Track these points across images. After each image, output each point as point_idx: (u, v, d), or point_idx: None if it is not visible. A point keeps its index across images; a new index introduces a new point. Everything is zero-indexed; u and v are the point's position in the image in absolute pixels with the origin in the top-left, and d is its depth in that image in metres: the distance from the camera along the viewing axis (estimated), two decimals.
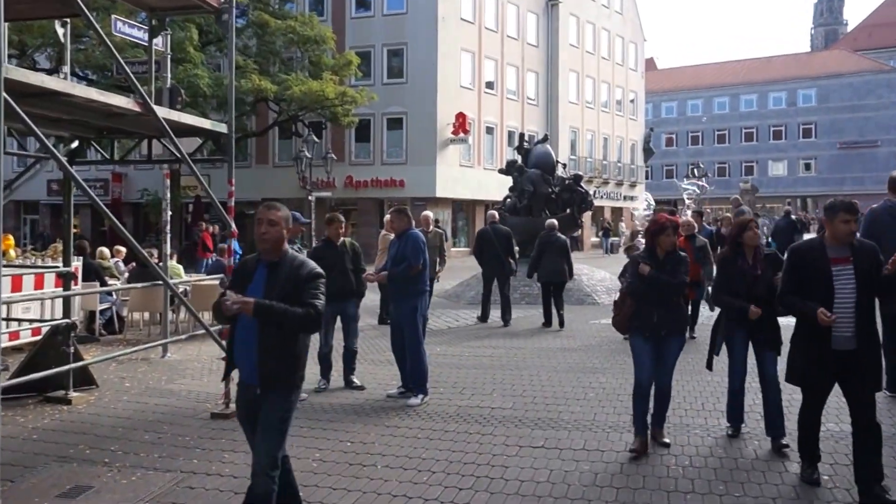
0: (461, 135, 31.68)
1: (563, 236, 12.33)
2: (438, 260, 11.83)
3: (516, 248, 12.84)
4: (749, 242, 5.47)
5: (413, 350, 7.19)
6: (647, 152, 49.42)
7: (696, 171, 43.34)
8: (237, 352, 3.84)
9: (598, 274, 16.84)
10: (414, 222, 7.64)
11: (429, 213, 11.90)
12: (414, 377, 7.19)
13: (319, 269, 3.83)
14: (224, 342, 6.91)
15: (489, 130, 35.44)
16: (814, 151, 64.61)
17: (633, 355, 5.53)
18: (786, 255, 4.80)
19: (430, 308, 7.60)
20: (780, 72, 67.35)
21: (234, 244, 31.75)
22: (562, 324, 11.89)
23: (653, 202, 39.89)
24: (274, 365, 3.73)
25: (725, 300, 5.50)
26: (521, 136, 19.65)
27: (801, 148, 64.93)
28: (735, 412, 5.88)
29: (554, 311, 11.99)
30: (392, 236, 11.41)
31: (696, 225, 10.03)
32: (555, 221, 12.90)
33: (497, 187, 28.99)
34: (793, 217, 28.20)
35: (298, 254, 3.90)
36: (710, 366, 5.75)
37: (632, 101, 48.23)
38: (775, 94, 66.57)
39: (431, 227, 11.85)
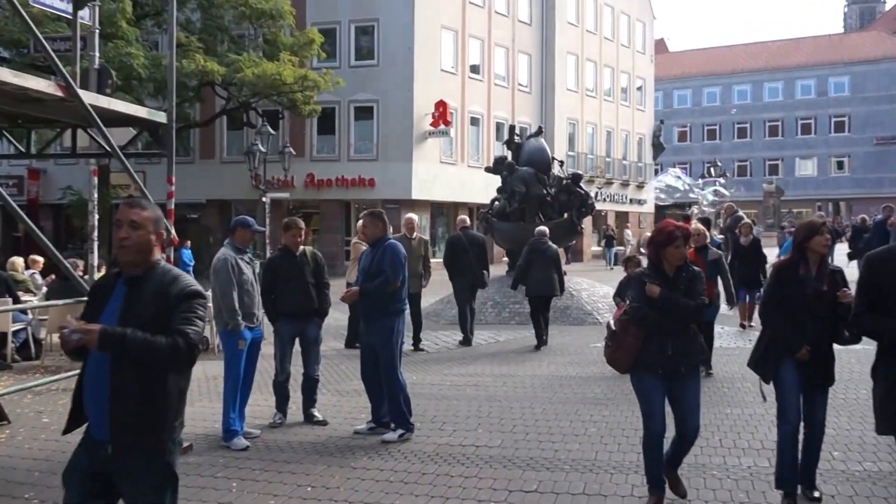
0: (441, 127, 31.78)
1: (554, 245, 12.72)
2: (424, 273, 11.87)
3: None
4: (817, 249, 5.15)
5: (390, 379, 7.16)
6: (657, 148, 49.88)
7: (712, 169, 43.82)
8: (85, 397, 3.34)
9: (600, 289, 16.93)
10: (391, 229, 7.64)
11: (413, 217, 11.99)
12: (394, 411, 7.16)
13: (197, 287, 3.36)
14: None
15: (474, 122, 35.57)
16: (847, 148, 65.49)
17: (640, 400, 5.14)
18: (862, 266, 4.58)
19: (404, 329, 7.56)
20: (810, 56, 68.20)
21: (186, 255, 31.55)
22: (544, 342, 12.34)
23: (725, 192, 38.98)
24: (128, 416, 3.20)
25: (777, 321, 5.16)
26: (512, 128, 19.75)
27: (832, 144, 65.81)
28: (787, 468, 5.19)
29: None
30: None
31: (707, 234, 9.73)
32: (545, 228, 13.17)
33: (483, 188, 29.03)
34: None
35: (173, 267, 3.45)
36: (764, 396, 5.37)
37: (639, 88, 48.69)
38: (803, 82, 67.41)
39: (416, 234, 11.90)
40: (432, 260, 12.42)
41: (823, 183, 65.95)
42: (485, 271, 12.79)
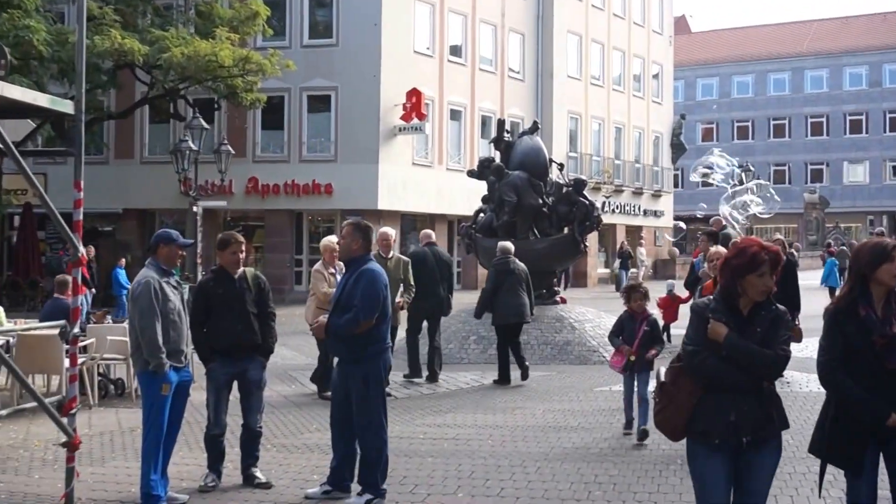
0: (415, 121, 31.88)
1: (521, 264, 13.36)
2: (403, 292, 11.97)
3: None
4: (886, 281, 4.82)
5: (367, 434, 7.12)
6: (677, 148, 50.31)
7: (744, 175, 44.10)
8: None
9: (607, 321, 16.99)
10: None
11: (388, 231, 12.00)
12: (365, 473, 7.12)
13: None
14: (66, 418, 6.78)
15: (455, 115, 35.71)
16: None
17: (693, 475, 4.78)
18: None
19: (387, 372, 7.52)
20: (861, 38, 68.96)
21: (121, 275, 31.43)
22: (525, 375, 12.96)
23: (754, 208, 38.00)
24: None
25: (847, 385, 4.78)
26: (501, 123, 19.85)
27: (887, 145, 66.57)
28: None
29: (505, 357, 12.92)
30: (331, 270, 11.30)
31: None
32: (509, 244, 13.70)
33: (465, 196, 29.07)
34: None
35: None
36: (821, 491, 5.16)
37: (655, 76, 49.17)
38: (853, 70, 68.23)
39: (392, 253, 11.88)
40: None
41: (877, 192, 66.60)
42: (450, 295, 13.37)
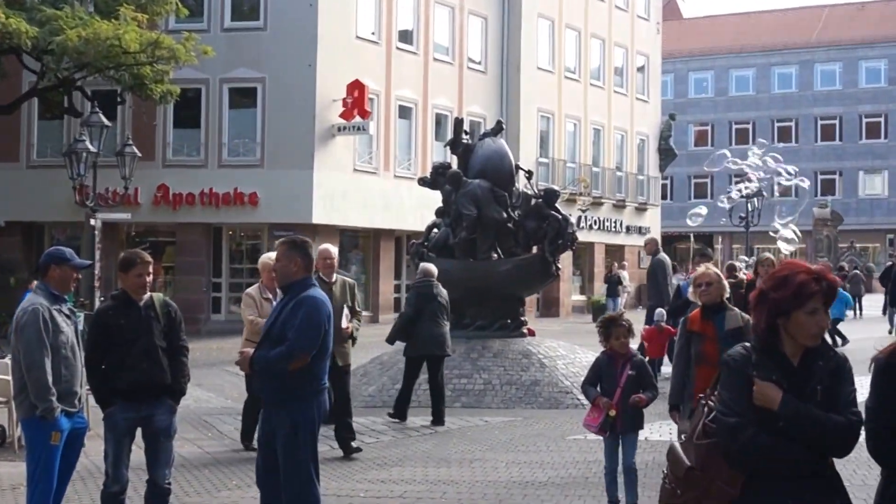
0: (357, 119, 31.92)
1: (444, 290, 13.82)
2: (350, 318, 11.74)
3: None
4: None
5: (295, 490, 7.08)
6: (666, 154, 50.73)
7: (743, 189, 44.35)
8: None
9: (583, 357, 17.10)
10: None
11: (330, 249, 11.80)
12: None
13: None
14: None
15: (405, 113, 35.78)
16: None
17: None
18: None
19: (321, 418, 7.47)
20: (880, 27, 69.70)
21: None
22: (441, 420, 13.41)
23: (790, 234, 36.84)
24: None
25: None
26: (459, 123, 19.88)
27: None
28: None
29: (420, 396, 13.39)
30: (267, 295, 11.23)
31: (724, 284, 8.55)
32: (432, 267, 14.08)
33: (416, 208, 29.08)
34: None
35: None
36: None
37: (641, 69, 49.65)
38: (869, 64, 69.21)
39: (336, 277, 11.73)
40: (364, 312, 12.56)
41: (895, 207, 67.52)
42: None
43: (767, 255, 15.13)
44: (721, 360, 4.45)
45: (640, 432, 8.85)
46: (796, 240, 36.44)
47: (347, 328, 11.55)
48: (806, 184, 41.04)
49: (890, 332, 27.47)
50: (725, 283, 8.54)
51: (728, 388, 4.23)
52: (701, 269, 8.73)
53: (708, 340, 7.93)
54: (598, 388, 8.58)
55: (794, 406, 4.06)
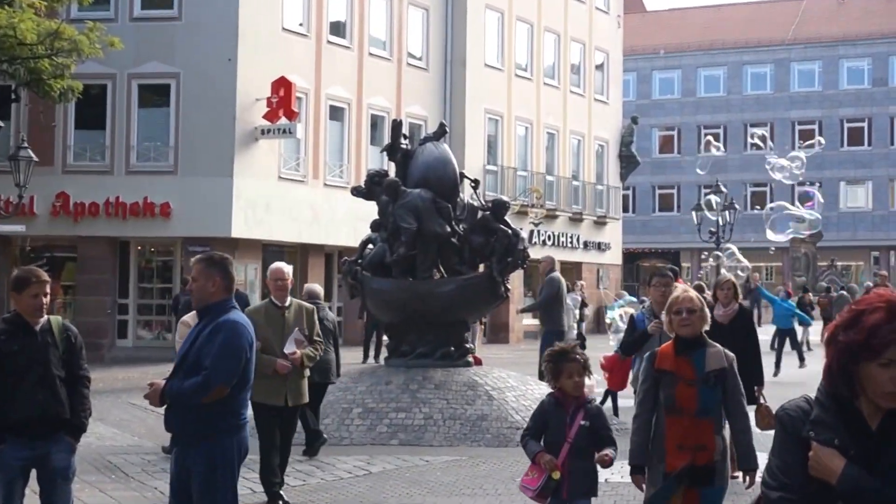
0: (283, 121, 31.87)
1: (331, 313, 14.36)
2: (303, 343, 11.46)
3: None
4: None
5: None
6: (628, 161, 51.08)
7: (711, 198, 44.95)
8: None
9: (535, 389, 17.16)
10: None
11: (284, 268, 11.64)
12: None
13: None
14: None
15: (336, 114, 35.76)
16: None
17: None
18: None
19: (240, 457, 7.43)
20: (862, 22, 70.44)
21: None
22: (314, 451, 13.74)
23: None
24: None
25: None
26: (397, 126, 19.90)
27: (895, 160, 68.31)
28: None
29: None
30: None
31: (706, 314, 7.69)
32: (316, 287, 14.56)
33: (349, 221, 29.05)
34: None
35: None
36: None
37: (600, 67, 50.02)
38: (851, 63, 70.05)
39: (290, 301, 11.49)
40: None
41: (882, 221, 68.34)
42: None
43: (728, 276, 14.41)
44: (776, 416, 3.84)
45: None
46: (744, 268, 36.16)
47: (295, 354, 11.07)
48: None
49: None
50: (708, 312, 7.67)
51: (778, 453, 3.68)
52: (678, 290, 7.88)
53: (682, 383, 7.21)
54: (542, 442, 7.43)
55: (859, 481, 3.45)
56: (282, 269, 11.72)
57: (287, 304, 11.45)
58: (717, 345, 7.56)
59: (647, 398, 7.38)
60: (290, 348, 11.05)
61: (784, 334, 27.78)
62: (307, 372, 11.60)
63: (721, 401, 7.34)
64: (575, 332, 42.27)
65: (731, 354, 7.56)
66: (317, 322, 11.97)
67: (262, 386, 10.14)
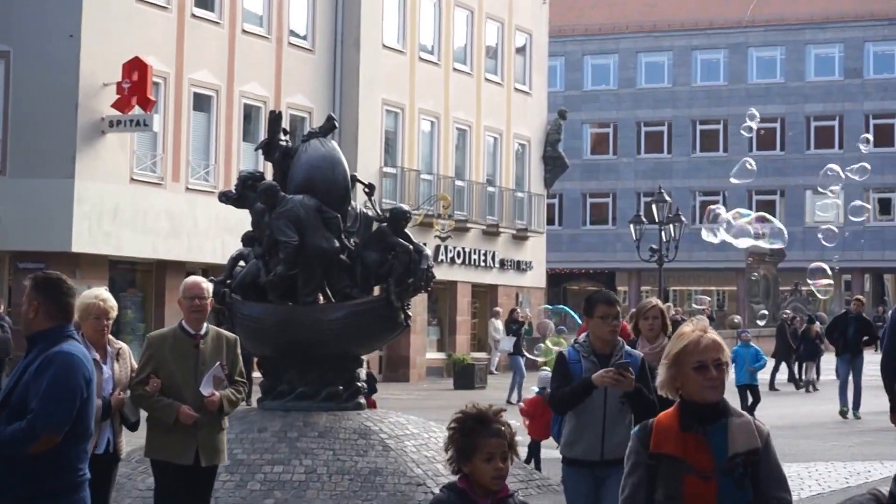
0: (136, 111, 31.67)
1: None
2: (223, 383, 11.02)
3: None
4: None
5: None
6: (554, 164, 51.28)
7: (654, 207, 45.29)
8: None
9: (439, 436, 17.19)
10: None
11: (202, 283, 11.02)
12: None
13: None
14: None
15: (202, 103, 35.64)
16: None
17: None
18: None
19: None
20: (831, 2, 71.40)
21: None
22: None
23: None
24: None
25: None
26: (275, 118, 19.87)
27: (874, 165, 69.12)
28: None
29: None
30: (94, 354, 11.06)
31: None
32: None
33: (215, 233, 28.93)
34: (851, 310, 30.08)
35: None
36: None
37: (521, 50, 50.28)
38: (819, 50, 71.26)
39: (207, 328, 10.90)
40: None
41: (856, 237, 69.14)
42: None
43: (654, 301, 12.26)
44: None
45: None
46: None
47: (213, 396, 10.36)
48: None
49: (842, 414, 27.88)
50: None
51: None
52: (689, 329, 5.97)
53: (694, 476, 5.72)
54: None
55: None
56: (199, 285, 10.79)
57: (203, 331, 10.62)
58: (744, 413, 6.14)
59: (638, 498, 5.85)
60: (207, 388, 10.25)
61: (747, 391, 26.60)
62: (226, 422, 10.96)
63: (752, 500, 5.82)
64: (495, 365, 42.67)
65: (766, 427, 6.00)
66: (240, 356, 11.06)
67: (165, 440, 10.06)
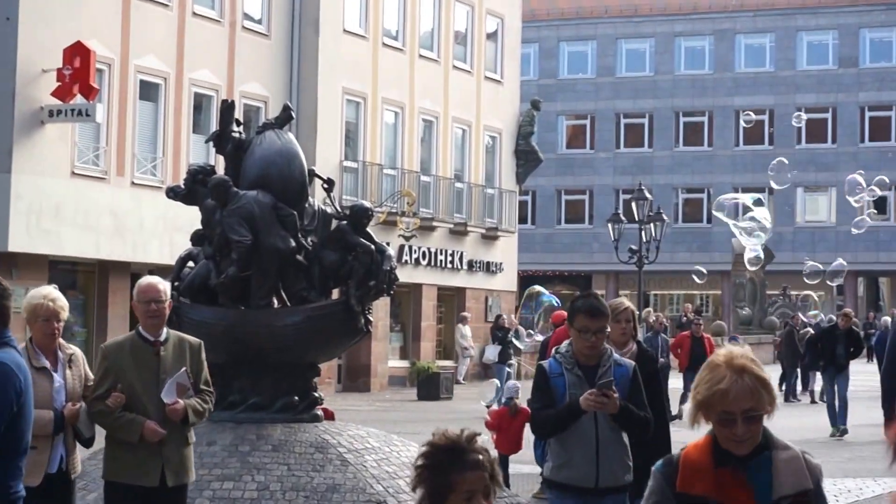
0: (78, 99, 31.63)
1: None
2: (188, 391, 10.86)
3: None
4: None
5: None
6: (527, 157, 51.29)
7: (635, 205, 45.40)
8: None
9: (401, 451, 17.28)
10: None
11: (159, 284, 10.96)
12: None
13: None
14: None
15: (149, 92, 35.60)
16: None
17: None
18: None
19: None
20: None
21: None
22: None
23: None
24: None
25: None
26: (227, 108, 19.85)
27: (865, 161, 68.90)
28: None
29: None
30: (42, 362, 11.06)
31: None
32: None
33: (164, 232, 28.92)
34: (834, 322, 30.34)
35: None
36: None
37: (492, 36, 50.28)
38: (812, 37, 71.34)
39: (167, 333, 10.74)
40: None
41: (848, 239, 69.04)
42: None
43: (626, 303, 11.41)
44: None
45: None
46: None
47: (176, 404, 10.17)
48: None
49: (835, 435, 27.90)
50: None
51: None
52: (721, 356, 5.28)
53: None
54: None
55: None
56: (155, 287, 10.52)
57: (163, 337, 10.42)
58: (791, 445, 5.47)
59: None
60: (169, 396, 10.02)
61: None
62: (192, 435, 10.66)
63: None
64: (463, 374, 42.67)
65: (817, 462, 5.49)
66: (205, 363, 10.89)
67: (126, 459, 9.80)
